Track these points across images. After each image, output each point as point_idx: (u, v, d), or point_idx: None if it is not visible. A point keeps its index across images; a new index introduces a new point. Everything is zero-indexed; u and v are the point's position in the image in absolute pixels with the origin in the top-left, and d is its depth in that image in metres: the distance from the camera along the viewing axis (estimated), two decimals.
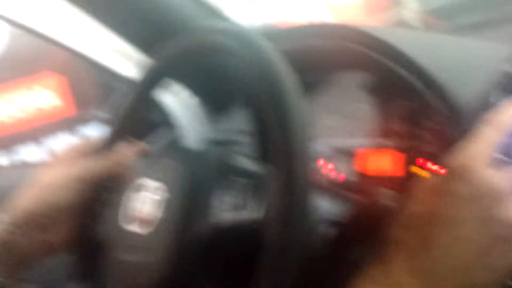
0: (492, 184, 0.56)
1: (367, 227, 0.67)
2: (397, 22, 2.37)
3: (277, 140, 0.60)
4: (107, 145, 0.82)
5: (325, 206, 0.76)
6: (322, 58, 0.92)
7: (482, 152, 0.58)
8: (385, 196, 0.66)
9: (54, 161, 0.82)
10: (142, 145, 0.85)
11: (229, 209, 0.71)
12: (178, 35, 0.78)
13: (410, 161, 0.86)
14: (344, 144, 0.97)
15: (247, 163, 0.75)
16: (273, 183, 0.59)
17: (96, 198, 0.82)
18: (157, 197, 0.73)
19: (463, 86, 0.78)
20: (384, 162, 0.88)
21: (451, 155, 0.59)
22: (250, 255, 0.64)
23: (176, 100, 1.23)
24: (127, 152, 0.82)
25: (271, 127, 0.60)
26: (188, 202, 0.70)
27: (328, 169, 0.94)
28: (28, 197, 0.77)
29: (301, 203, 0.59)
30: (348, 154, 0.94)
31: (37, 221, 0.76)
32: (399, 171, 0.84)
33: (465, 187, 0.56)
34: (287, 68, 0.64)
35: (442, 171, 0.60)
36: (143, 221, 0.73)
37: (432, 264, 0.56)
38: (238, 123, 1.13)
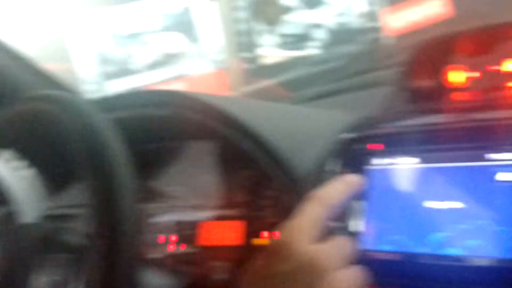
0: (313, 259, 0.54)
1: None
2: (252, 94, 2.42)
3: (101, 212, 0.55)
4: None
5: (157, 282, 0.71)
6: (161, 127, 0.89)
7: (305, 227, 0.56)
8: (220, 269, 0.63)
9: None
10: None
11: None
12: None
13: (251, 231, 0.84)
14: (188, 216, 0.93)
15: (76, 239, 0.69)
16: (95, 257, 0.54)
17: None
18: None
19: (302, 155, 0.77)
20: (226, 233, 0.85)
21: (275, 232, 0.57)
22: None
23: (11, 172, 1.14)
24: None
25: (96, 199, 0.56)
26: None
27: (171, 241, 0.90)
28: None
29: (123, 279, 0.54)
30: (191, 226, 0.91)
31: None
32: (239, 242, 0.82)
33: (286, 265, 0.53)
34: (114, 136, 0.60)
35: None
36: None
37: None
38: (78, 196, 1.06)
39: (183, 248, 0.89)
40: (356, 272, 0.57)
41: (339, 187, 0.62)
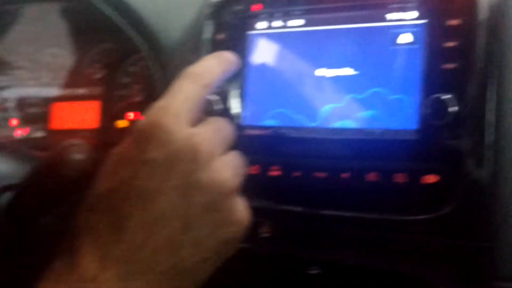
0: (191, 145, 0.45)
1: (53, 191, 0.53)
2: None
3: None
4: None
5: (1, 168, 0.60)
6: None
7: (181, 108, 0.47)
8: (77, 148, 0.53)
9: None
10: None
11: None
12: None
13: (113, 113, 0.74)
14: (36, 93, 0.81)
15: None
16: None
17: None
18: None
19: (172, 23, 0.67)
20: (82, 115, 0.75)
21: (144, 113, 0.47)
22: None
23: None
24: None
25: None
26: None
27: (12, 125, 0.79)
28: None
29: None
30: (40, 105, 0.80)
31: None
32: (96, 123, 0.73)
33: (158, 151, 0.44)
34: None
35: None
36: None
37: (128, 251, 0.43)
38: None
39: (32, 132, 0.78)
40: (237, 157, 0.49)
41: (215, 64, 0.53)
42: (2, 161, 0.63)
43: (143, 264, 0.44)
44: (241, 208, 0.47)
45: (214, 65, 0.52)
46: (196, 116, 0.48)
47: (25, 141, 0.78)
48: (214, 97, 0.61)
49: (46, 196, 0.56)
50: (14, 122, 0.80)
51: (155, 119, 0.46)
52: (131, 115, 0.75)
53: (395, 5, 0.55)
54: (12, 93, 0.82)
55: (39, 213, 0.60)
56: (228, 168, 0.47)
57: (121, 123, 0.75)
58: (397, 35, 0.54)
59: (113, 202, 0.45)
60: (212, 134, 0.47)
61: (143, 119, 0.46)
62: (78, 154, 0.52)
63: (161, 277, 0.45)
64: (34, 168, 0.56)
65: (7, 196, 0.59)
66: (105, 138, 0.73)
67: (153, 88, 0.71)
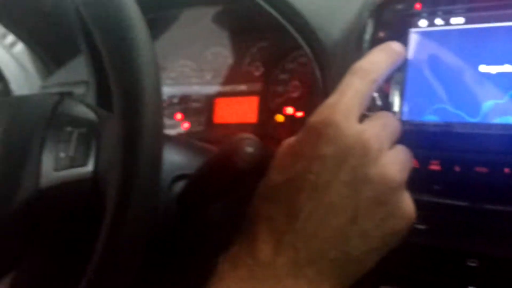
0: (360, 140, 0.47)
1: (224, 181, 0.57)
2: None
3: (124, 86, 0.47)
4: None
5: (174, 159, 0.64)
6: None
7: (350, 104, 0.49)
8: (247, 143, 0.56)
9: None
10: None
11: (66, 165, 0.57)
12: None
13: (272, 107, 0.78)
14: (197, 91, 0.86)
15: (87, 112, 0.61)
16: (120, 132, 0.47)
17: None
18: None
19: (333, 21, 0.70)
20: (240, 109, 0.79)
21: (314, 110, 0.49)
22: (90, 219, 0.54)
23: (5, 50, 1.06)
24: None
25: (117, 71, 0.47)
26: (4, 160, 0.56)
27: (177, 119, 0.84)
28: None
29: (150, 155, 0.47)
30: (199, 102, 0.85)
31: None
32: (254, 118, 0.77)
33: (329, 146, 0.47)
34: (132, 3, 0.51)
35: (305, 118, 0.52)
36: None
37: (300, 238, 0.46)
38: (74, 74, 0.98)
39: (194, 126, 0.84)
40: (404, 152, 0.50)
41: (383, 57, 0.54)
42: (175, 152, 0.67)
43: (314, 252, 0.47)
44: (407, 202, 0.49)
45: (382, 59, 0.53)
46: (364, 110, 0.50)
47: (190, 134, 0.83)
48: (375, 94, 0.62)
49: (217, 186, 0.60)
50: (179, 116, 0.85)
51: (326, 116, 0.48)
52: (289, 109, 0.77)
53: None
54: (177, 90, 0.88)
55: (209, 202, 0.64)
56: (396, 163, 0.49)
57: (279, 118, 0.78)
58: None
59: (289, 193, 0.48)
60: (380, 130, 0.49)
61: (313, 116, 0.49)
62: (250, 148, 0.56)
63: (330, 264, 0.47)
64: (208, 159, 0.60)
65: (180, 184, 0.64)
66: (264, 131, 0.77)
67: (311, 84, 0.74)
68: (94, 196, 0.55)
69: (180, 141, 0.71)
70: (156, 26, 0.85)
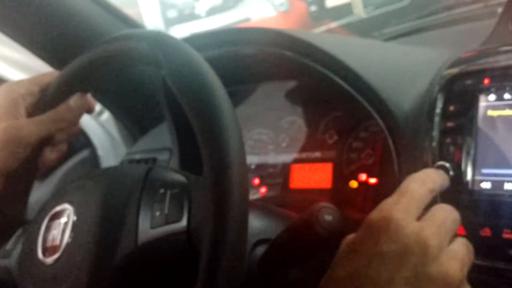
0: (419, 238, 0.49)
1: (303, 247, 0.60)
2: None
3: (212, 149, 0.52)
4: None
5: (255, 224, 0.68)
6: (248, 66, 0.85)
7: (408, 205, 0.51)
8: (326, 211, 0.59)
9: None
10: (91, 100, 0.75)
11: (161, 223, 0.61)
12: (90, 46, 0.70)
13: (346, 174, 0.81)
14: (274, 158, 0.90)
15: (177, 176, 0.66)
16: (210, 193, 0.52)
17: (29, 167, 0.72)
18: (63, 220, 0.63)
19: (403, 94, 0.73)
20: (317, 176, 0.82)
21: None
22: (185, 272, 0.58)
23: (93, 118, 1.14)
24: (75, 108, 0.72)
25: (206, 138, 0.53)
26: (101, 223, 0.61)
27: (255, 184, 0.88)
28: None
29: (238, 215, 0.52)
30: (276, 167, 0.88)
31: None
32: (329, 183, 0.80)
33: (390, 244, 0.49)
34: (215, 76, 0.57)
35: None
36: (46, 249, 0.63)
37: None
38: (158, 141, 1.04)
39: (270, 191, 0.87)
40: (464, 245, 0.52)
41: (436, 174, 0.57)
42: (256, 217, 0.70)
43: None
44: None
45: (436, 175, 0.56)
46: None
47: (267, 198, 0.86)
48: (447, 164, 0.65)
49: (296, 252, 0.63)
50: (256, 181, 0.89)
51: (386, 214, 0.51)
52: (362, 176, 0.80)
53: None
54: (254, 158, 0.92)
55: (288, 267, 0.67)
56: (456, 259, 0.50)
57: (353, 184, 0.80)
58: None
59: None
60: (438, 227, 0.51)
61: (373, 213, 0.52)
62: (329, 216, 0.59)
63: None
64: (288, 225, 0.63)
65: (261, 249, 0.67)
66: (338, 197, 0.80)
67: (383, 152, 0.77)
68: (188, 249, 0.58)
69: (259, 206, 0.75)
70: (234, 98, 0.90)
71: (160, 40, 0.61)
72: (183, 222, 0.60)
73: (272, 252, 0.65)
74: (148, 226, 0.61)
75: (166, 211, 0.60)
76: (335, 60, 0.73)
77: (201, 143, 0.53)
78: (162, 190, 0.62)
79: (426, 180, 0.55)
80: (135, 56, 0.64)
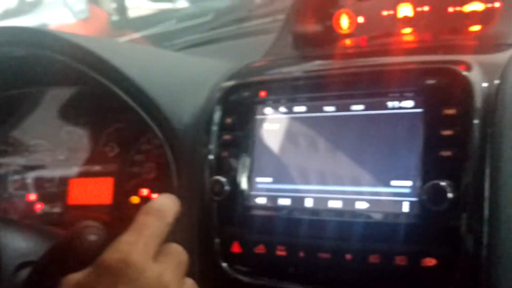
0: (161, 283, 0.47)
1: (69, 268, 0.55)
2: None
3: None
4: None
5: (18, 246, 0.62)
6: (21, 69, 0.78)
7: (147, 244, 0.48)
8: (93, 229, 0.55)
9: None
10: None
11: None
12: None
13: (127, 189, 0.77)
14: (53, 172, 0.84)
15: None
16: None
17: None
18: None
19: (184, 105, 0.71)
20: (97, 191, 0.78)
21: (108, 249, 0.48)
22: None
23: None
24: None
25: None
26: None
27: (30, 199, 0.81)
28: None
29: None
30: (57, 183, 0.82)
31: None
32: (109, 199, 0.76)
33: (127, 287, 0.46)
34: None
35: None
36: None
37: None
38: None
39: (49, 208, 0.81)
40: (195, 286, 0.52)
41: (171, 202, 0.55)
42: (21, 238, 0.64)
43: None
44: None
45: (172, 205, 0.53)
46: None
47: (43, 215, 0.81)
48: (223, 179, 0.63)
49: (62, 272, 0.58)
50: (32, 197, 0.83)
51: (124, 256, 0.47)
52: (144, 191, 0.77)
53: (393, 94, 0.58)
54: (30, 171, 0.86)
55: None
56: None
57: (134, 199, 0.77)
58: (395, 123, 0.57)
59: None
60: (176, 269, 0.50)
61: (108, 253, 0.47)
62: (93, 235, 0.55)
63: None
64: (51, 245, 0.58)
65: (25, 272, 0.61)
66: (119, 213, 0.76)
67: (166, 167, 0.74)
68: None
69: (25, 226, 0.68)
70: (8, 105, 0.83)
71: None
72: None
73: (35, 274, 0.60)
74: None
75: None
76: (111, 67, 0.68)
77: None
78: None
79: (163, 213, 0.51)
80: None
